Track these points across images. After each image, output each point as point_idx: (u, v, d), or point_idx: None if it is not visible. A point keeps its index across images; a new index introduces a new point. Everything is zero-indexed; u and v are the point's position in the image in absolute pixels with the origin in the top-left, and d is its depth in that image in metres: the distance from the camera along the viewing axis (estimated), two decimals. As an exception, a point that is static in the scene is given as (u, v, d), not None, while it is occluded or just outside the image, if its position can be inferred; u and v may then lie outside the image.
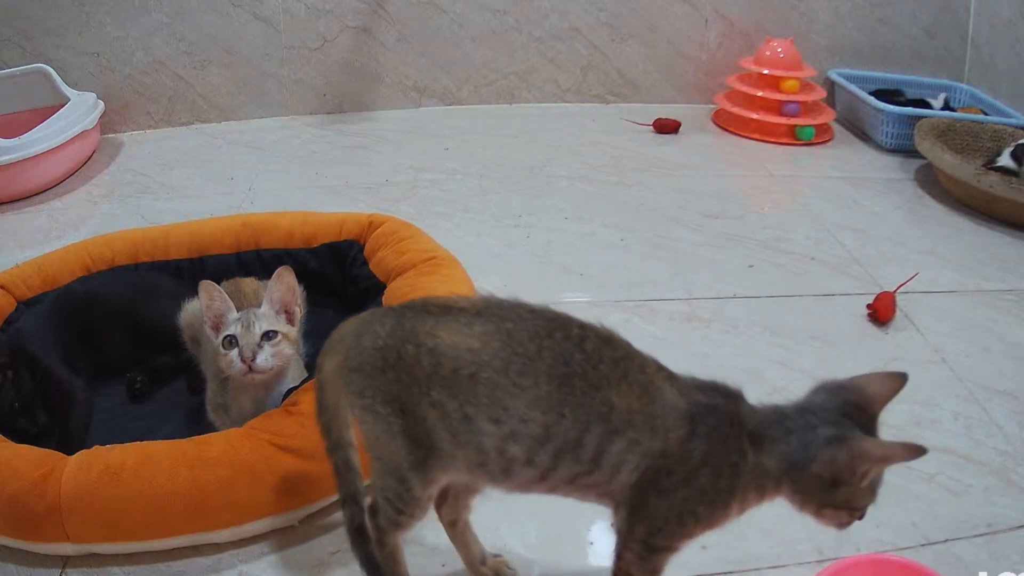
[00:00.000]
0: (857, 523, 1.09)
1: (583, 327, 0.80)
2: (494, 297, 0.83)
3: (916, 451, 0.75)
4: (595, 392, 0.77)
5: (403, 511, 0.86)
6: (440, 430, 0.79)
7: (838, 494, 0.78)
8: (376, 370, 0.81)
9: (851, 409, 0.80)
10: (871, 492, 0.80)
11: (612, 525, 0.84)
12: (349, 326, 0.85)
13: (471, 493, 0.95)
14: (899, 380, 0.83)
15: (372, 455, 0.86)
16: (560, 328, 0.79)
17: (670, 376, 0.81)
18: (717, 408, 0.79)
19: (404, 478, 0.83)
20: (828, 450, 0.77)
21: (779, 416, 0.80)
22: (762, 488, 0.80)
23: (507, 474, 0.80)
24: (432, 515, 1.11)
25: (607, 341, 0.80)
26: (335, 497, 1.11)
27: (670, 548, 0.82)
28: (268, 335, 1.15)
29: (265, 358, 1.13)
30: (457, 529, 0.98)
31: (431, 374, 0.78)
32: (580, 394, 0.77)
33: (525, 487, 0.82)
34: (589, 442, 0.77)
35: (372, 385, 0.81)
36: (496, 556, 1.01)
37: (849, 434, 0.77)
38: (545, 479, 0.80)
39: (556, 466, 0.78)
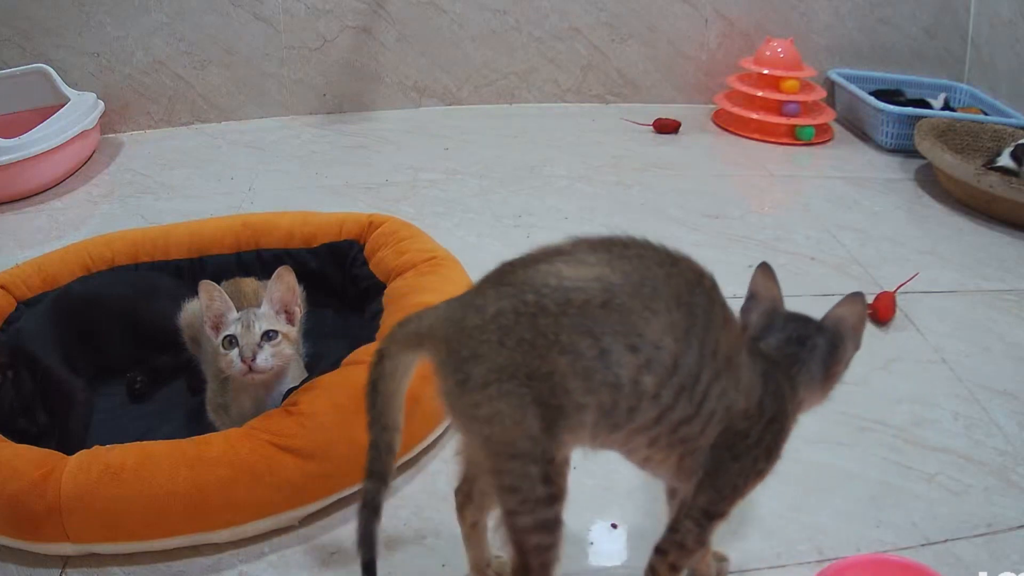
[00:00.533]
0: (857, 523, 1.10)
1: (701, 267, 0.81)
2: (594, 236, 0.80)
3: (857, 296, 0.90)
4: (710, 328, 0.78)
5: (554, 497, 0.78)
6: (571, 379, 0.75)
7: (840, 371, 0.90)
8: (495, 346, 0.74)
9: (781, 309, 0.93)
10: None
11: (668, 493, 0.90)
12: (428, 318, 0.79)
13: (492, 497, 0.92)
14: (766, 268, 0.99)
15: (499, 465, 0.77)
16: (682, 260, 0.80)
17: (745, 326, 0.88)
18: (777, 365, 0.85)
19: (544, 452, 0.76)
20: (841, 352, 0.89)
21: (794, 352, 0.87)
22: (796, 417, 0.88)
23: (631, 415, 0.77)
24: (432, 516, 1.12)
25: (716, 285, 0.81)
26: (335, 497, 1.12)
27: (725, 515, 0.86)
28: (268, 335, 1.15)
29: (265, 358, 1.13)
30: (477, 530, 0.97)
31: (559, 315, 0.74)
32: (701, 327, 0.77)
33: (633, 436, 0.80)
34: (703, 379, 0.78)
35: (495, 367, 0.74)
36: (497, 556, 1.01)
37: (828, 324, 0.90)
38: (659, 424, 0.78)
39: (674, 405, 0.77)
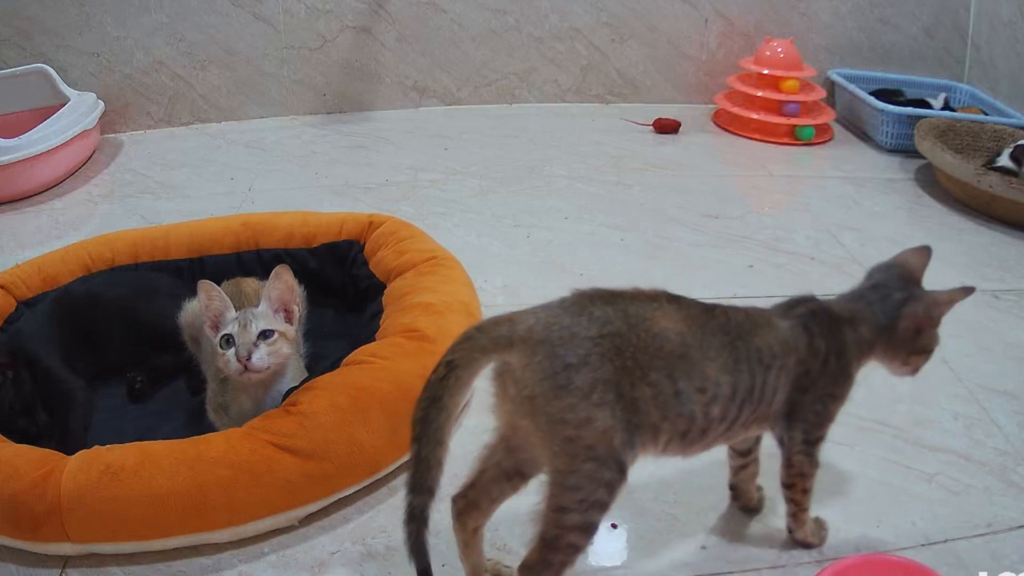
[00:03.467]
0: (857, 523, 1.10)
1: (707, 304, 0.94)
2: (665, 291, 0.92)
3: (968, 290, 1.00)
4: (748, 344, 0.91)
5: (607, 503, 0.85)
6: (651, 407, 0.85)
7: (919, 341, 1.01)
8: (604, 359, 0.82)
9: (906, 277, 1.03)
10: (937, 335, 1.03)
11: (778, 441, 0.99)
12: (523, 323, 0.83)
13: (501, 500, 0.95)
14: (926, 252, 1.06)
15: (574, 465, 0.82)
16: (706, 308, 0.93)
17: (768, 311, 0.98)
18: (815, 312, 0.97)
19: (620, 462, 0.84)
20: (909, 307, 1.00)
21: (859, 298, 1.02)
22: (864, 354, 1.00)
23: (704, 434, 0.90)
24: (432, 516, 1.12)
25: (723, 308, 0.94)
26: (335, 497, 1.12)
27: (823, 437, 0.99)
28: (265, 334, 1.14)
29: (261, 357, 1.13)
30: (477, 536, 0.97)
31: (653, 356, 0.85)
32: (743, 350, 0.91)
33: (709, 444, 0.93)
34: (758, 383, 0.91)
35: (600, 377, 0.82)
36: (489, 559, 1.01)
37: (918, 292, 1.01)
38: (731, 428, 0.92)
39: (740, 414, 0.91)
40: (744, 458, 1.08)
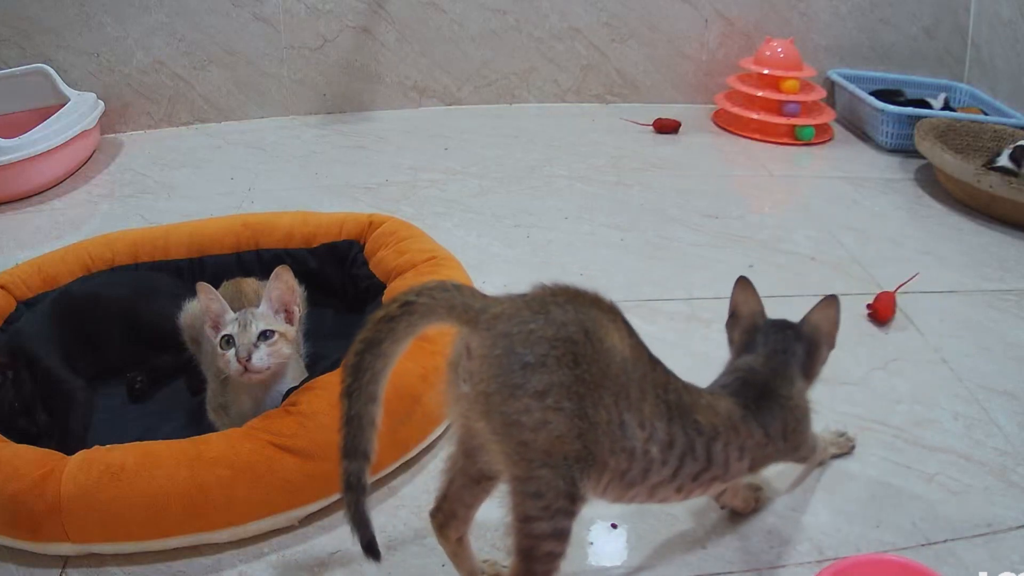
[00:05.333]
0: (857, 523, 1.10)
1: (652, 355, 0.88)
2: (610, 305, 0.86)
3: (833, 299, 1.06)
4: (688, 415, 0.88)
5: (574, 510, 0.81)
6: (602, 436, 0.80)
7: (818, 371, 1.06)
8: (563, 363, 0.77)
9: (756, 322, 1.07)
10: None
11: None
12: (492, 306, 0.78)
13: (477, 505, 0.93)
14: (746, 284, 1.07)
15: (530, 471, 0.78)
16: (650, 357, 0.87)
17: (711, 390, 0.97)
18: (749, 385, 0.98)
19: (574, 479, 0.79)
20: (817, 356, 1.05)
21: (778, 362, 1.02)
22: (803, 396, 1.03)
23: (646, 476, 0.86)
24: (425, 522, 1.12)
25: (664, 368, 0.88)
26: (335, 497, 1.12)
27: (813, 449, 1.08)
28: (265, 335, 1.15)
29: (261, 357, 1.13)
30: (464, 544, 0.96)
31: (604, 374, 0.79)
32: (679, 415, 0.87)
33: (657, 492, 0.89)
34: (699, 447, 0.88)
35: (557, 381, 0.76)
36: (484, 560, 1.01)
37: (809, 336, 1.05)
38: (676, 478, 0.88)
39: (682, 464, 0.87)
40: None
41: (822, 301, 1.05)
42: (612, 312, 0.83)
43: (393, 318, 0.77)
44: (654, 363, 0.86)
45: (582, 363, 0.78)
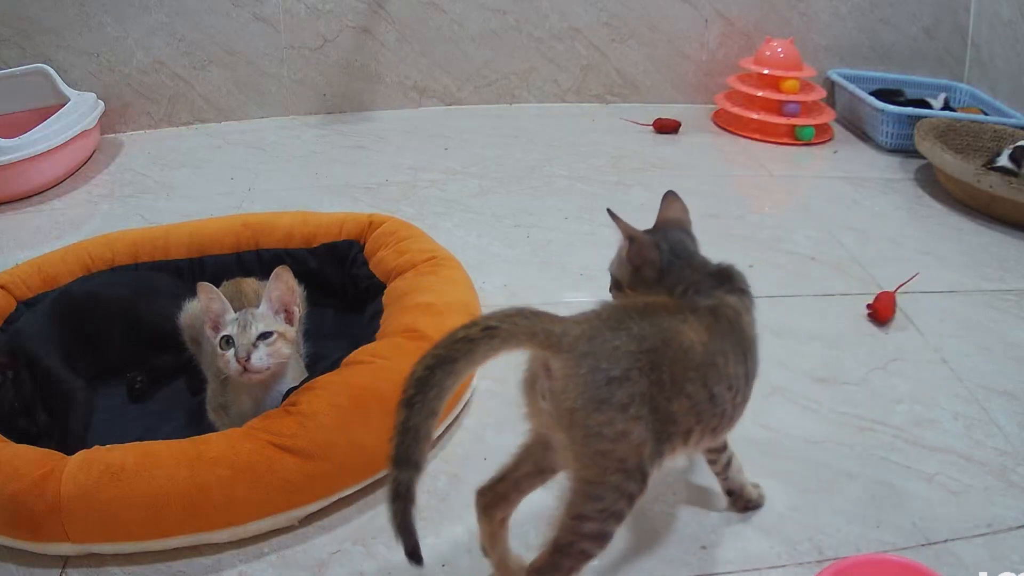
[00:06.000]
0: (857, 523, 1.10)
1: (710, 305, 0.96)
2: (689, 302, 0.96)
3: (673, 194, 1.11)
4: (741, 332, 0.96)
5: (625, 515, 0.86)
6: (688, 416, 0.88)
7: None
8: (643, 374, 0.83)
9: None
10: None
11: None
12: (571, 329, 0.82)
13: (529, 492, 0.96)
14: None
15: (602, 476, 0.82)
16: (711, 310, 0.95)
17: (720, 296, 0.99)
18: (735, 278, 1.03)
19: (645, 474, 0.85)
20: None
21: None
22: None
23: (731, 421, 0.95)
24: (432, 516, 1.12)
25: (717, 306, 0.96)
26: (335, 497, 1.12)
27: None
28: (264, 335, 1.15)
29: (260, 358, 1.13)
30: (504, 526, 0.98)
31: (687, 368, 0.87)
32: (741, 339, 0.95)
33: (714, 435, 0.96)
34: (752, 361, 0.97)
35: (637, 392, 0.82)
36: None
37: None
38: (732, 418, 0.95)
39: (737, 402, 0.94)
40: (721, 452, 1.08)
41: (666, 198, 1.11)
42: (680, 312, 0.91)
43: (473, 340, 0.79)
44: (715, 314, 0.93)
45: (663, 368, 0.84)
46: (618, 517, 0.85)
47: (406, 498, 0.79)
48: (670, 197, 1.12)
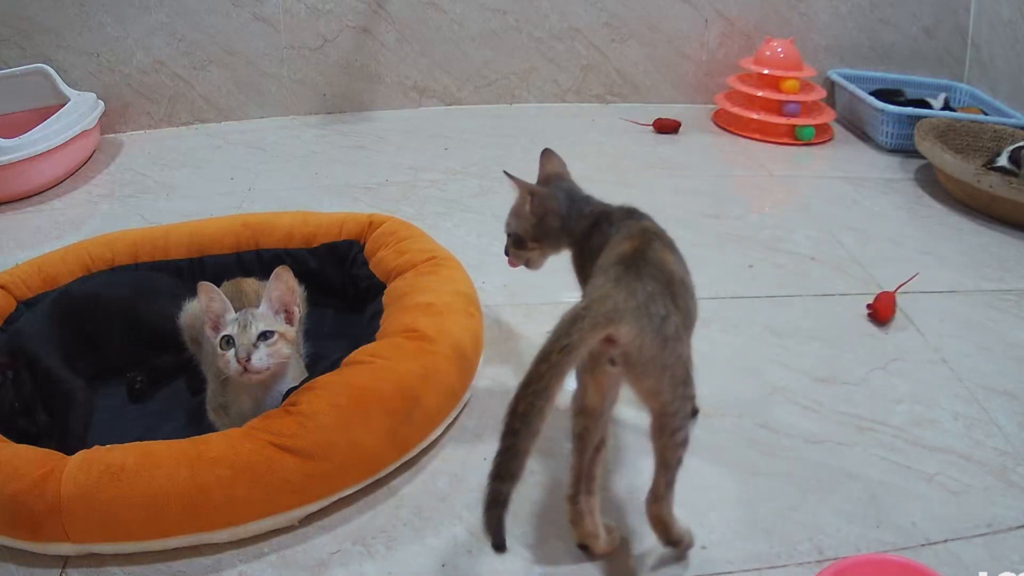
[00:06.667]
0: (857, 523, 1.10)
1: (656, 230, 1.12)
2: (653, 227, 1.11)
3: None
4: (676, 249, 1.10)
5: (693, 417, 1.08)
6: (685, 324, 0.99)
7: None
8: (673, 305, 0.95)
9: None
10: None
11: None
12: (613, 299, 0.90)
13: (597, 474, 1.03)
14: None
15: (675, 393, 0.94)
16: (657, 233, 1.10)
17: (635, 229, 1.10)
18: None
19: (691, 376, 0.99)
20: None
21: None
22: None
23: (689, 328, 1.03)
24: (432, 516, 1.12)
25: (654, 232, 1.10)
26: (335, 497, 1.12)
27: None
28: (265, 335, 1.14)
29: (260, 358, 1.13)
30: (596, 508, 1.03)
31: (677, 288, 0.98)
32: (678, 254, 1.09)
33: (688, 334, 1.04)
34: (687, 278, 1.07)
35: (678, 319, 0.94)
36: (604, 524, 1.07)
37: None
38: (694, 320, 1.06)
39: (692, 304, 1.05)
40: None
41: (543, 155, 1.25)
42: (652, 243, 1.03)
43: (555, 364, 0.86)
44: (661, 237, 1.08)
45: (675, 292, 0.97)
46: (690, 416, 1.00)
47: (503, 505, 0.88)
48: (547, 153, 1.25)
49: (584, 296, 0.96)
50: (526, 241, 1.21)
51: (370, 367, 1.19)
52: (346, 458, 1.11)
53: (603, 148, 2.44)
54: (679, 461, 0.98)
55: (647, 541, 1.08)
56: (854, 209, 2.09)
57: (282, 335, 1.17)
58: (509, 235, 1.23)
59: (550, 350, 0.86)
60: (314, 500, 1.11)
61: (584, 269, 1.14)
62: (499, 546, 0.89)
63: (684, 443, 0.97)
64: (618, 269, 0.96)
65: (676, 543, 1.04)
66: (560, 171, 1.24)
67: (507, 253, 1.25)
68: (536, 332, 1.50)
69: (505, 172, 1.19)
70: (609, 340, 0.90)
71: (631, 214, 1.15)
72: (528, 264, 1.25)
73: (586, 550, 1.05)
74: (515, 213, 1.22)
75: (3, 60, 2.40)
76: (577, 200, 1.19)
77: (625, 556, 1.06)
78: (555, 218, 1.18)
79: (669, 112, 2.65)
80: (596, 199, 1.21)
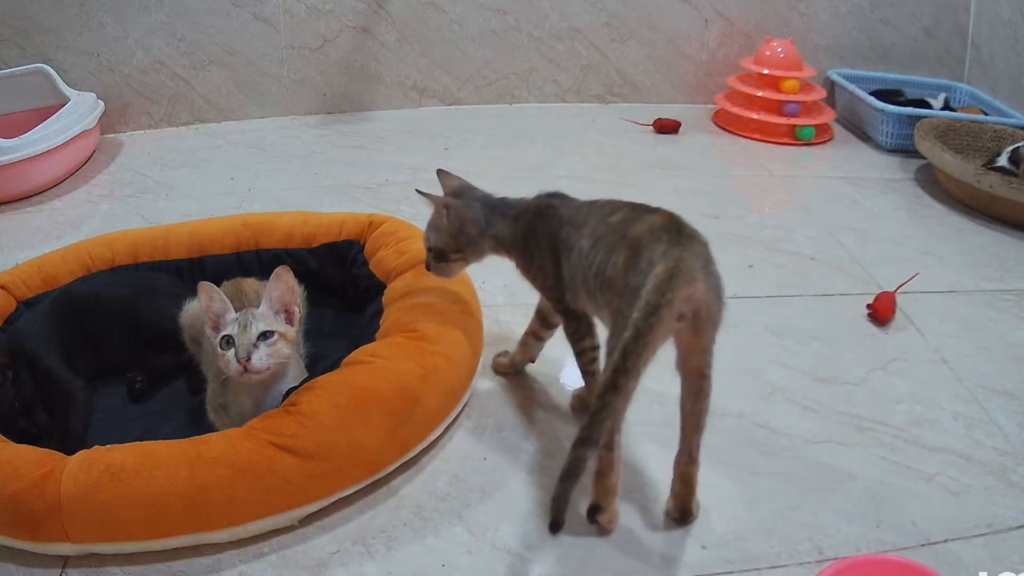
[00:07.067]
0: (857, 523, 1.10)
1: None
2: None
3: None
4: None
5: None
6: None
7: None
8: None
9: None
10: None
11: None
12: (686, 259, 0.96)
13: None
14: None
15: (714, 335, 1.02)
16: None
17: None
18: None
19: None
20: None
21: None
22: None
23: None
24: (432, 516, 1.12)
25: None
26: (335, 497, 1.12)
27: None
28: (265, 335, 1.14)
29: (260, 358, 1.13)
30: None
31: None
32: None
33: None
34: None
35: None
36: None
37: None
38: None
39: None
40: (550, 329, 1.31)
41: (440, 175, 1.34)
42: (648, 211, 1.10)
43: (662, 317, 0.93)
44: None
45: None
46: None
47: (577, 475, 0.92)
48: (444, 174, 1.33)
49: (651, 260, 0.98)
50: (448, 253, 1.25)
51: (370, 367, 1.19)
52: (346, 458, 1.11)
53: (603, 148, 2.44)
54: (705, 424, 1.06)
55: (647, 541, 1.08)
56: (854, 209, 2.09)
57: (282, 335, 1.17)
58: (429, 250, 1.27)
59: (657, 303, 0.92)
60: (314, 500, 1.11)
61: (556, 259, 1.17)
62: (555, 527, 0.95)
63: (711, 363, 1.05)
64: (671, 235, 1.00)
65: (688, 513, 1.09)
66: (463, 183, 1.31)
67: (428, 268, 1.29)
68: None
69: (417, 190, 1.25)
70: (689, 297, 0.96)
71: (563, 196, 1.23)
72: (444, 275, 1.29)
73: (595, 514, 1.06)
74: (433, 227, 1.26)
75: (3, 60, 2.40)
76: (493, 205, 1.25)
77: (625, 555, 1.06)
78: (474, 225, 1.23)
79: (669, 112, 2.65)
80: (512, 198, 1.26)
